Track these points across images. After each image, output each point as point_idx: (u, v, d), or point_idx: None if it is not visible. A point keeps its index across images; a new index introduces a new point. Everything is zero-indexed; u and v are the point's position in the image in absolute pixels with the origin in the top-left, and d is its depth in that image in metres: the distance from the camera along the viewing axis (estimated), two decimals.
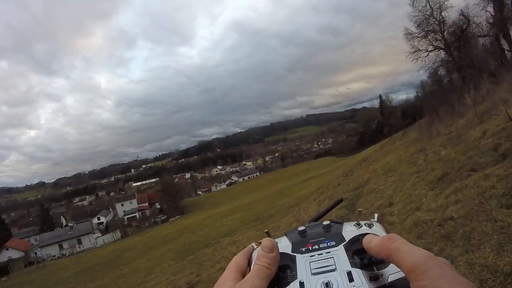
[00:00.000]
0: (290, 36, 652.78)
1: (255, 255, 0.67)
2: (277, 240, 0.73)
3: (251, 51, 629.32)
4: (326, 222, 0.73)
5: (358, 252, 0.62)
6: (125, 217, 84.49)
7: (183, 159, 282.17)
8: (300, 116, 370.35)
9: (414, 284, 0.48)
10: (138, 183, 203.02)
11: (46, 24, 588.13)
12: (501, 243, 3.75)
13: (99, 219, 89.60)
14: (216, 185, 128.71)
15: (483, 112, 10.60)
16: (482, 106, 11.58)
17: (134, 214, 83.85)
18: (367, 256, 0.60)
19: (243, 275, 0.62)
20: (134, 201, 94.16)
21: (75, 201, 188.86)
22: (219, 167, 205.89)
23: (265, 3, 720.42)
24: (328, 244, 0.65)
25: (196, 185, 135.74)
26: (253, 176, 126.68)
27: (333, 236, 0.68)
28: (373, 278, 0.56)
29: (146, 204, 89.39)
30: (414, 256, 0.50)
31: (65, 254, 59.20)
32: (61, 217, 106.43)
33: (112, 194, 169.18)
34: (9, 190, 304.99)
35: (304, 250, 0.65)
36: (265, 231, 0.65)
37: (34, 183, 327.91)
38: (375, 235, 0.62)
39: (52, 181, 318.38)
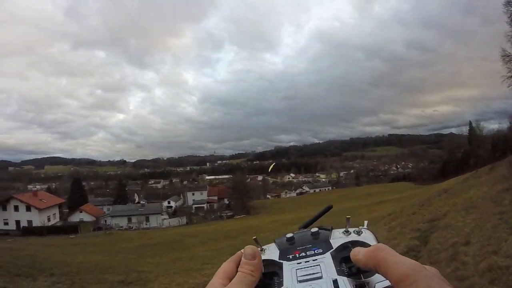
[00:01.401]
0: (375, 49, 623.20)
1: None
2: (265, 247, 0.74)
3: (334, 62, 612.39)
4: (314, 229, 0.72)
5: (345, 260, 0.61)
6: (194, 205, 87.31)
7: (257, 161, 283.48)
8: (382, 135, 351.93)
9: None
10: (211, 177, 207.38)
11: (141, 22, 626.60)
12: None
13: (169, 202, 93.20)
14: (286, 192, 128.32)
15: None
16: None
17: (202, 205, 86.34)
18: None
19: (231, 281, 0.62)
20: (205, 193, 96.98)
21: (150, 182, 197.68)
22: (292, 174, 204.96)
23: (350, 14, 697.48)
24: (315, 251, 0.64)
25: (266, 188, 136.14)
26: (325, 189, 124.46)
27: (320, 243, 0.67)
28: (360, 287, 0.55)
29: (216, 197, 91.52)
30: (402, 266, 0.49)
31: (132, 228, 62.45)
32: (135, 194, 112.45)
33: (185, 182, 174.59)
34: (92, 162, 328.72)
35: (291, 257, 0.65)
36: (253, 238, 0.66)
37: (116, 159, 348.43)
38: (364, 247, 0.61)
39: (133, 161, 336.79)
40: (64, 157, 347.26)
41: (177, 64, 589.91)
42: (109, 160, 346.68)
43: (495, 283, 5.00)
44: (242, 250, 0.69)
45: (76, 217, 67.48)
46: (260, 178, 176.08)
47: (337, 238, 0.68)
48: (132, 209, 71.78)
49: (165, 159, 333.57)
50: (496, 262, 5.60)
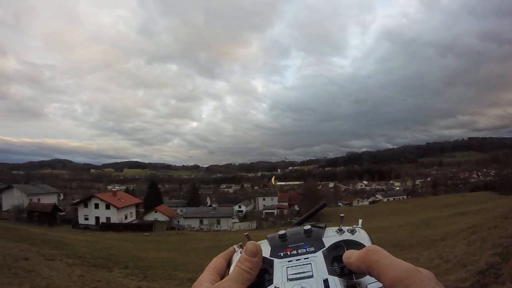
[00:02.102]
0: (447, 45, 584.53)
1: (235, 258, 0.67)
2: (258, 243, 0.72)
3: (404, 61, 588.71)
4: (307, 227, 0.71)
5: (337, 259, 0.60)
6: (264, 211, 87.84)
7: (329, 168, 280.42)
8: (461, 138, 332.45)
9: None
10: (282, 183, 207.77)
11: (208, 35, 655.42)
12: None
13: (239, 207, 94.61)
14: (358, 200, 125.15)
15: None
16: None
17: (272, 210, 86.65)
18: None
19: (222, 277, 0.61)
20: (275, 199, 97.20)
21: (221, 187, 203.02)
22: (365, 182, 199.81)
23: (416, 9, 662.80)
24: (307, 249, 0.64)
25: (337, 196, 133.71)
26: (399, 198, 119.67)
27: (313, 241, 0.67)
28: (351, 287, 0.55)
29: (286, 203, 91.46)
30: (395, 269, 0.48)
31: (203, 229, 63.78)
32: (207, 197, 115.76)
33: (256, 187, 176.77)
34: (167, 167, 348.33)
35: (282, 255, 0.64)
36: (245, 234, 0.65)
37: (189, 164, 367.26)
38: (357, 246, 0.61)
39: (206, 166, 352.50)
40: (142, 161, 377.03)
41: (246, 73, 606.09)
42: (183, 165, 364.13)
43: None
44: (234, 246, 0.70)
45: (151, 217, 70.89)
46: (331, 185, 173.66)
47: (330, 236, 0.67)
48: (204, 211, 73.67)
49: (236, 164, 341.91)
50: None
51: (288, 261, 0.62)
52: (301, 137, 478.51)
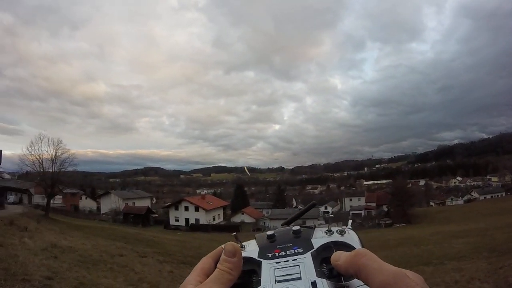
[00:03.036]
0: None
1: None
2: (245, 243, 0.72)
3: (490, 37, 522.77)
4: (296, 227, 0.70)
5: (326, 261, 0.59)
6: (351, 212, 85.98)
7: (419, 164, 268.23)
8: None
9: None
10: (369, 182, 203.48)
11: (280, 39, 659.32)
12: None
13: (326, 208, 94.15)
14: (451, 199, 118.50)
15: None
16: None
17: (359, 211, 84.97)
18: None
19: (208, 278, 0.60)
20: (362, 199, 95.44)
21: (307, 188, 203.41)
22: (459, 178, 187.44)
23: None
24: (296, 250, 0.62)
25: (429, 194, 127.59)
26: (497, 195, 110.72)
27: (301, 242, 0.65)
28: None
29: (374, 204, 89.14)
30: (384, 274, 0.47)
31: None
32: (293, 199, 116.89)
33: (342, 188, 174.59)
34: (253, 170, 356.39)
35: (270, 256, 0.63)
36: (233, 234, 0.64)
37: (274, 167, 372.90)
38: (346, 248, 0.60)
39: (290, 167, 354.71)
40: (228, 166, 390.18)
41: (323, 71, 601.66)
42: (268, 168, 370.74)
43: None
44: (222, 246, 0.67)
45: (238, 218, 73.89)
46: (422, 182, 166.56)
47: (319, 237, 0.66)
48: (290, 213, 73.63)
49: (321, 165, 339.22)
50: None
51: (276, 263, 0.61)
52: (386, 132, 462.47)
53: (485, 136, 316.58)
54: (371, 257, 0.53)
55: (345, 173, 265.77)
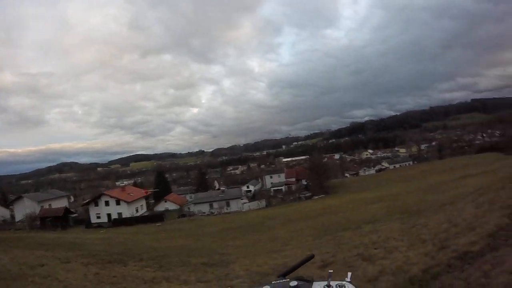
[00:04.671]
0: (442, 7, 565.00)
1: None
2: None
3: (400, 28, 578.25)
4: (293, 283, 0.67)
5: None
6: (272, 188, 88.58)
7: (333, 140, 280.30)
8: (464, 101, 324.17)
9: None
10: (288, 159, 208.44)
11: (199, 22, 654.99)
12: None
13: (248, 187, 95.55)
14: (364, 170, 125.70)
15: None
16: None
17: (280, 187, 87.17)
18: None
19: None
20: (282, 175, 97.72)
21: (228, 169, 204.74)
22: (370, 151, 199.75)
23: None
24: None
25: (344, 166, 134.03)
26: (405, 164, 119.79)
27: None
28: None
29: (293, 179, 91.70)
30: None
31: (214, 213, 64.93)
32: (215, 181, 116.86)
33: (262, 166, 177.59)
34: (173, 155, 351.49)
35: None
36: (228, 287, 0.63)
37: (194, 151, 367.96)
38: None
39: (210, 150, 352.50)
40: (147, 153, 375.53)
41: (241, 54, 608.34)
42: (188, 152, 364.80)
43: None
44: None
45: (161, 207, 72.69)
46: (337, 156, 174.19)
47: None
48: (213, 195, 74.49)
49: (241, 145, 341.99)
50: None
51: None
52: (302, 112, 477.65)
53: (393, 113, 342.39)
54: None
55: (265, 152, 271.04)
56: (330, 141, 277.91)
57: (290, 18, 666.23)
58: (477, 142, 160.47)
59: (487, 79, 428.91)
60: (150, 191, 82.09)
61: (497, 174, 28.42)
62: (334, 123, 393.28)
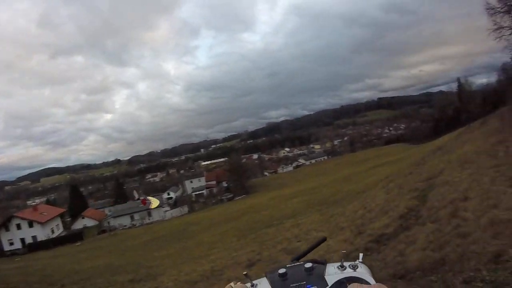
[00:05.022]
0: (353, 17, 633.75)
1: None
2: (256, 281, 0.71)
3: (314, 33, 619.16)
4: (308, 264, 0.67)
5: None
6: (193, 193, 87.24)
7: (251, 140, 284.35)
8: (371, 99, 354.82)
9: None
10: (207, 162, 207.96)
11: (114, 21, 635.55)
12: None
13: (168, 194, 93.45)
14: (282, 167, 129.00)
15: None
16: None
17: (201, 191, 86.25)
18: None
19: None
20: (203, 179, 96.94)
21: (147, 177, 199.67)
22: (287, 149, 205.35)
23: None
24: None
25: (263, 166, 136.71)
26: (321, 159, 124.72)
27: (315, 279, 0.63)
28: None
29: (214, 182, 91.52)
30: None
31: (136, 225, 62.70)
32: (134, 191, 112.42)
33: (182, 171, 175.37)
34: (87, 167, 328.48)
35: None
36: (244, 273, 0.64)
37: (110, 160, 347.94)
38: (360, 283, 0.56)
39: (127, 158, 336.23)
40: (59, 166, 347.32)
41: (156, 57, 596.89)
42: (104, 162, 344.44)
43: (499, 237, 4.87)
44: (231, 284, 0.67)
45: (79, 224, 67.61)
46: (255, 156, 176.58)
47: (332, 274, 0.64)
48: (133, 206, 71.77)
49: (159, 151, 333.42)
50: (498, 216, 5.47)
51: None
52: (219, 114, 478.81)
53: (307, 113, 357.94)
54: None
55: (183, 157, 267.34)
56: (248, 142, 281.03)
57: (208, 20, 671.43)
58: (385, 135, 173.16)
59: (392, 80, 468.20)
60: (65, 208, 76.82)
61: (405, 162, 30.58)
62: (251, 124, 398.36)
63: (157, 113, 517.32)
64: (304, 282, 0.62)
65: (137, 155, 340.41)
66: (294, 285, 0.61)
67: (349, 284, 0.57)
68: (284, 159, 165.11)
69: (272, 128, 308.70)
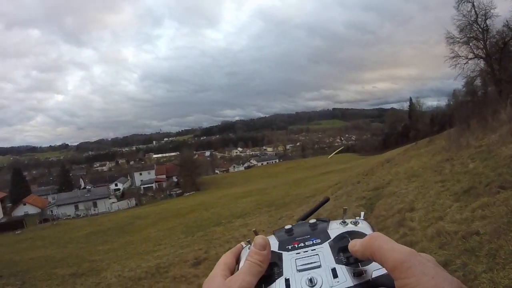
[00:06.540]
0: (316, 29, 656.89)
1: (243, 254, 0.69)
2: (265, 237, 0.72)
3: (275, 39, 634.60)
4: (312, 221, 0.73)
5: (343, 249, 0.61)
6: (142, 186, 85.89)
7: (204, 137, 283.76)
8: (326, 109, 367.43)
9: (398, 282, 0.48)
10: (158, 155, 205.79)
11: None
12: None
13: (116, 185, 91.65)
14: (234, 166, 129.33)
15: None
16: None
17: (150, 185, 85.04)
18: None
19: (232, 272, 0.62)
20: (152, 172, 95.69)
21: (95, 165, 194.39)
22: (240, 149, 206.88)
23: None
24: (314, 241, 0.65)
25: (214, 163, 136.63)
26: (272, 162, 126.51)
27: (318, 233, 0.68)
28: (357, 274, 0.56)
29: (164, 176, 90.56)
30: (396, 253, 0.49)
31: (80, 215, 60.37)
32: (80, 179, 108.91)
33: (131, 163, 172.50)
34: (33, 149, 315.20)
35: (290, 247, 0.66)
36: (253, 229, 0.67)
37: (57, 144, 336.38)
38: (360, 236, 0.61)
39: (75, 144, 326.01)
40: (2, 146, 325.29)
41: (116, 41, 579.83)
42: (51, 146, 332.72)
43: (445, 248, 5.10)
44: (242, 243, 0.72)
45: (20, 211, 63.85)
46: (207, 153, 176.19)
47: (335, 228, 0.69)
48: (78, 195, 69.14)
49: (109, 139, 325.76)
50: (444, 227, 5.73)
51: (296, 253, 0.64)
52: (174, 108, 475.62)
53: (262, 115, 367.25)
54: (384, 239, 0.54)
55: (134, 148, 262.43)
56: (201, 138, 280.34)
57: (172, 11, 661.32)
58: (336, 144, 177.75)
59: (347, 93, 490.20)
60: (6, 192, 72.62)
61: (353, 171, 31.45)
62: (206, 120, 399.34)
63: (111, 100, 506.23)
64: (308, 236, 0.68)
65: (86, 142, 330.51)
66: (299, 238, 0.67)
67: (350, 238, 0.63)
68: (236, 158, 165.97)
69: (227, 127, 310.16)
